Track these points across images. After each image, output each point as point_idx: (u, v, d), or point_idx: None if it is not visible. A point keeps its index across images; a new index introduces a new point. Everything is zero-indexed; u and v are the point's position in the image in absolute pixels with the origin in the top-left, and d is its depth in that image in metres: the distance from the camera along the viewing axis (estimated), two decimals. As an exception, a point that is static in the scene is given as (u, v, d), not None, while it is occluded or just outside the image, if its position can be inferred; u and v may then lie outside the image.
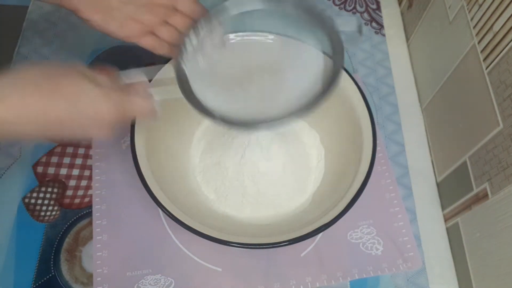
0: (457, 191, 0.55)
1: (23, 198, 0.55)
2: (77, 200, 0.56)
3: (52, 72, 0.36)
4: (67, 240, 0.53)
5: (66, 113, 0.36)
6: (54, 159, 0.58)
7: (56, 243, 0.53)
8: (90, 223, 0.54)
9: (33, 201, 0.55)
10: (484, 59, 0.49)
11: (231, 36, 0.55)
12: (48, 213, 0.54)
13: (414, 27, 0.70)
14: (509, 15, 0.45)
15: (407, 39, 0.73)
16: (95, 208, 0.54)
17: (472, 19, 0.52)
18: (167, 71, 0.48)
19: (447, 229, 0.58)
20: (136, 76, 0.44)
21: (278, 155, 0.54)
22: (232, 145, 0.54)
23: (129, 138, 0.48)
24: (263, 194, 0.53)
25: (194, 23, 0.46)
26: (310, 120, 0.60)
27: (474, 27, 0.52)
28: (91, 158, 0.58)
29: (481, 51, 0.50)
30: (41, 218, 0.54)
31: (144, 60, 0.65)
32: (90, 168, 0.58)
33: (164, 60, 0.49)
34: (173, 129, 0.56)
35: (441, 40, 0.61)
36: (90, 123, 0.38)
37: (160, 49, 0.50)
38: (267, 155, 0.53)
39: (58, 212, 0.55)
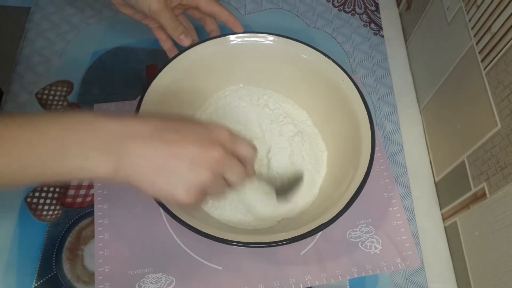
0: (455, 190, 0.55)
1: (25, 198, 0.55)
2: (79, 199, 0.56)
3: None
4: (69, 239, 0.54)
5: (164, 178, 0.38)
6: (56, 159, 0.58)
7: (58, 242, 0.53)
8: (92, 222, 0.54)
9: (35, 200, 0.55)
10: (482, 60, 0.50)
11: (232, 37, 0.56)
12: (50, 212, 0.55)
13: (413, 28, 0.70)
14: (507, 16, 0.45)
15: (406, 40, 0.73)
16: (97, 207, 0.55)
17: (470, 20, 0.53)
18: None
19: (446, 228, 0.58)
20: None
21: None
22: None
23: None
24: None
25: None
26: (312, 121, 0.60)
27: (472, 28, 0.52)
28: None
29: (479, 52, 0.50)
30: (43, 217, 0.55)
31: (145, 62, 0.66)
32: (91, 167, 0.58)
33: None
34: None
35: (440, 41, 0.61)
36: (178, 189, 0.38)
37: (164, 44, 0.59)
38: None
39: (60, 211, 0.55)
